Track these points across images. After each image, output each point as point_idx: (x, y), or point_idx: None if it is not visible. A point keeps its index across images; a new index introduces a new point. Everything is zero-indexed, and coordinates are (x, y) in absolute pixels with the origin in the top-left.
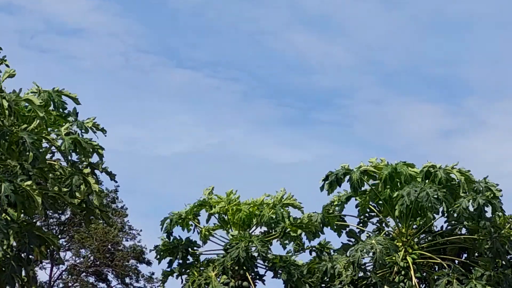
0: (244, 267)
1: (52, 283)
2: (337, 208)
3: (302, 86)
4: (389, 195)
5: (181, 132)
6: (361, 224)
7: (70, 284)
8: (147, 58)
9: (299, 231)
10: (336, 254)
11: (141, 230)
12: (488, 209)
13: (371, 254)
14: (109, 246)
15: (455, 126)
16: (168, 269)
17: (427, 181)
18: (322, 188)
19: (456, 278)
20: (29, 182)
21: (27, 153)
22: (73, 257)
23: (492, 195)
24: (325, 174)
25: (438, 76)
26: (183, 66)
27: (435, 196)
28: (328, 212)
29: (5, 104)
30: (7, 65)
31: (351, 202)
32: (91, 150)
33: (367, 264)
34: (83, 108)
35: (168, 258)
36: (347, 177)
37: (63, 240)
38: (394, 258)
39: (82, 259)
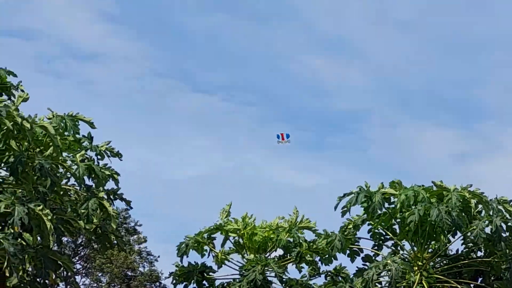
0: None
1: None
2: (352, 230)
3: (318, 110)
4: (404, 218)
5: (197, 156)
6: (376, 248)
7: None
8: (162, 82)
9: (314, 255)
10: (352, 276)
11: (158, 256)
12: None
13: (386, 272)
14: (126, 272)
15: (470, 150)
16: None
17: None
18: (336, 207)
19: None
20: (40, 207)
21: (43, 178)
22: (90, 281)
23: (507, 214)
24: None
25: (454, 99)
26: (199, 90)
27: (448, 214)
28: (344, 233)
29: (27, 125)
30: (22, 90)
31: (363, 226)
32: (106, 176)
33: (383, 284)
34: (99, 132)
35: (183, 283)
36: (365, 199)
37: (79, 264)
38: (409, 282)
39: (97, 284)
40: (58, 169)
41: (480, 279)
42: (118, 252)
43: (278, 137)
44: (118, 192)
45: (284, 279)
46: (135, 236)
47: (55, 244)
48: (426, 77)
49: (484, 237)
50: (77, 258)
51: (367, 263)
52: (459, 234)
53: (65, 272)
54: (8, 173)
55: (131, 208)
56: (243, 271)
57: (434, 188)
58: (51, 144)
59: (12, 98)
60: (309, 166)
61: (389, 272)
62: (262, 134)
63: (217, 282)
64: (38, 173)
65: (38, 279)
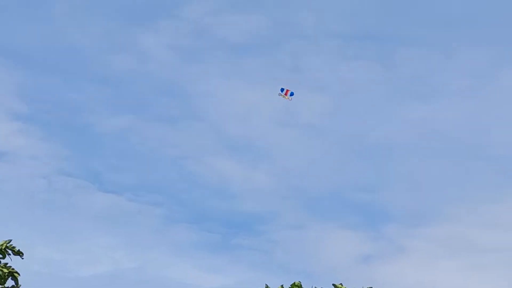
0: None
1: None
2: None
3: (224, 211)
4: None
5: (102, 254)
6: None
7: None
8: (70, 181)
9: None
10: None
11: None
12: None
13: None
14: None
15: (375, 252)
16: None
17: None
18: None
19: None
20: None
21: None
22: None
23: None
24: None
25: (360, 202)
26: (106, 190)
27: None
28: None
29: None
30: None
31: None
32: (5, 275)
33: None
34: (3, 231)
35: None
36: None
37: None
38: None
39: None
40: None
41: None
42: None
43: (281, 90)
44: None
45: None
46: None
47: None
48: (332, 179)
49: None
50: None
51: None
52: None
53: None
54: None
55: None
56: None
57: None
58: None
59: None
60: (214, 266)
61: None
62: (168, 234)
63: None
64: None
65: None
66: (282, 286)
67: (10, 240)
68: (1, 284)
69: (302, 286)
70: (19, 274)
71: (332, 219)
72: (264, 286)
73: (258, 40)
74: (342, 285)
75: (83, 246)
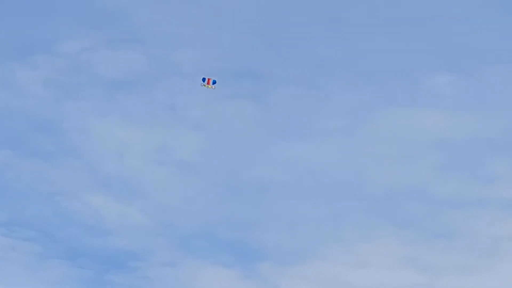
0: None
1: None
2: None
3: (97, 247)
4: None
5: None
6: None
7: None
8: None
9: None
10: None
11: None
12: None
13: None
14: None
15: None
16: None
17: None
18: None
19: None
20: None
21: None
22: None
23: None
24: None
25: (233, 240)
26: None
27: None
28: None
29: None
30: None
31: None
32: None
33: None
34: None
35: None
36: None
37: None
38: None
39: None
40: None
41: None
42: None
43: (203, 80)
44: None
45: None
46: None
47: None
48: (206, 217)
49: None
50: None
51: None
52: None
53: None
54: None
55: None
56: None
57: None
58: None
59: None
60: None
61: None
62: (42, 271)
63: None
64: None
65: None
66: None
67: None
68: None
69: None
70: None
71: (205, 256)
72: None
73: (135, 76)
74: None
75: None
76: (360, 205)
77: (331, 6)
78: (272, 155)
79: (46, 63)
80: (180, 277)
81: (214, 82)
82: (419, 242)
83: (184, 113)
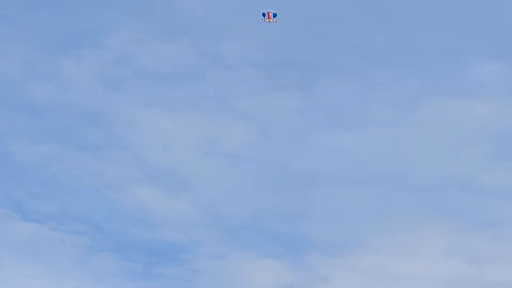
0: None
1: None
2: None
3: (146, 240)
4: None
5: (24, 284)
6: None
7: None
8: None
9: None
10: None
11: None
12: None
13: None
14: None
15: (297, 281)
16: None
17: None
18: None
19: None
20: None
21: None
22: None
23: None
24: None
25: (282, 232)
26: (28, 219)
27: None
28: None
29: None
30: None
31: None
32: None
33: None
34: None
35: None
36: None
37: None
38: None
39: None
40: None
41: None
42: None
43: (263, 15)
44: None
45: None
46: None
47: None
48: (254, 209)
49: None
50: None
51: None
52: None
53: None
54: None
55: None
56: None
57: None
58: None
59: None
60: None
61: None
62: (91, 264)
63: None
64: None
65: None
66: None
67: None
68: None
69: None
70: None
71: (254, 248)
72: None
73: (182, 69)
74: None
75: (4, 275)
76: (407, 195)
77: None
78: (319, 146)
79: (93, 56)
80: (228, 269)
81: (274, 15)
82: (467, 232)
83: (231, 105)
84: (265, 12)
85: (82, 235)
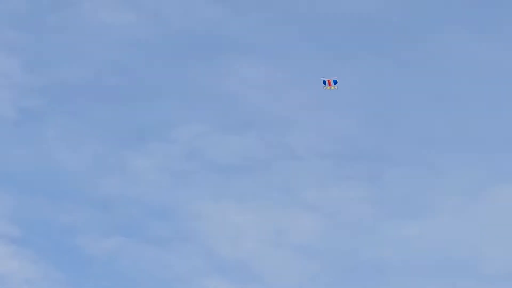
0: None
1: None
2: None
3: None
4: None
5: None
6: None
7: None
8: None
9: None
10: None
11: None
12: None
13: None
14: None
15: None
16: None
17: None
18: None
19: None
20: None
21: None
22: None
23: None
24: None
25: None
26: None
27: None
28: None
29: None
30: None
31: None
32: None
33: None
34: None
35: None
36: None
37: None
38: None
39: None
40: None
41: None
42: None
43: (324, 83)
44: None
45: None
46: None
47: None
48: None
49: None
50: None
51: None
52: None
53: None
54: None
55: None
56: None
57: None
58: None
59: None
60: None
61: None
62: None
63: None
64: None
65: None
66: None
67: None
68: None
69: None
70: None
71: None
72: None
73: (249, 161)
74: None
75: None
76: (478, 284)
77: (440, 84)
78: (387, 235)
79: (160, 149)
80: None
81: (335, 82)
82: None
83: (300, 196)
84: (326, 79)
85: None
